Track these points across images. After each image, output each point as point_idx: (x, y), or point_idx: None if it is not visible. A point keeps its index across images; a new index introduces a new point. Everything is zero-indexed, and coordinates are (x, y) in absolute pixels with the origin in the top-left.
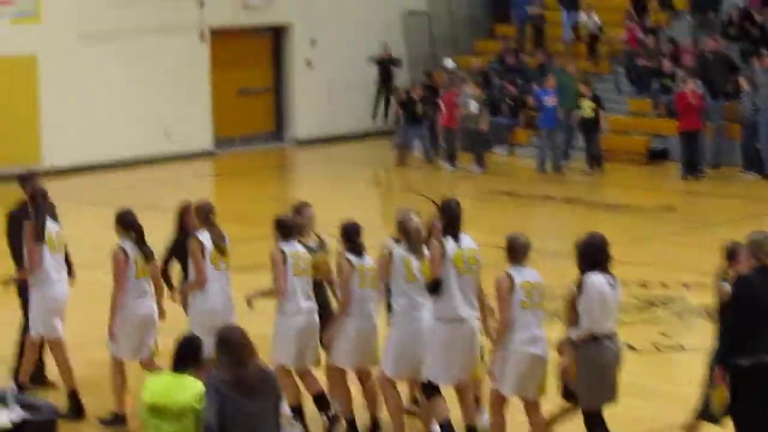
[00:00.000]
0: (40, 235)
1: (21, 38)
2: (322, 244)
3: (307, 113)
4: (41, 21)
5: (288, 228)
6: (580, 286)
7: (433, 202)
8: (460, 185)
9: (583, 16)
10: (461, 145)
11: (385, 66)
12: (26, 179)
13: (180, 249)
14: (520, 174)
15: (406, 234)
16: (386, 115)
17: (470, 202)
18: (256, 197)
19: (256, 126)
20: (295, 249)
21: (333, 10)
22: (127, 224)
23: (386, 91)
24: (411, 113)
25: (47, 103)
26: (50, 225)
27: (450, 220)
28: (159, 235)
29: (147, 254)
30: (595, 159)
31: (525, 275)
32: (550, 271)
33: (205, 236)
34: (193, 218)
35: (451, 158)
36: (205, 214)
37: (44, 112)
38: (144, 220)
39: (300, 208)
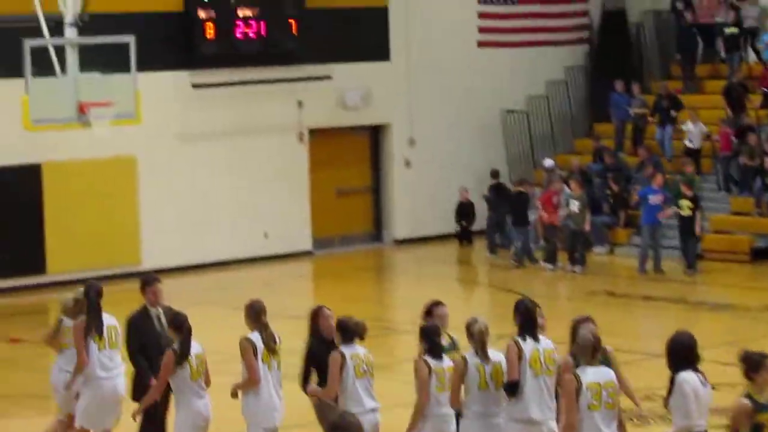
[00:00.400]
0: (89, 332)
1: (121, 139)
2: (453, 344)
3: (406, 213)
4: (141, 122)
5: (348, 331)
6: (672, 384)
7: (536, 303)
8: (559, 285)
9: (689, 125)
10: (561, 244)
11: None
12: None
13: (316, 354)
14: (620, 273)
15: (470, 337)
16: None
17: (570, 302)
18: (353, 298)
19: (355, 226)
20: (355, 351)
21: (431, 110)
22: (256, 317)
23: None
24: (513, 213)
25: (146, 204)
26: (107, 319)
27: (525, 320)
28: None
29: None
30: (692, 259)
31: (593, 375)
32: (652, 371)
33: (256, 336)
34: (327, 321)
35: (552, 258)
36: (256, 314)
37: (144, 212)
38: (240, 320)
39: (432, 308)
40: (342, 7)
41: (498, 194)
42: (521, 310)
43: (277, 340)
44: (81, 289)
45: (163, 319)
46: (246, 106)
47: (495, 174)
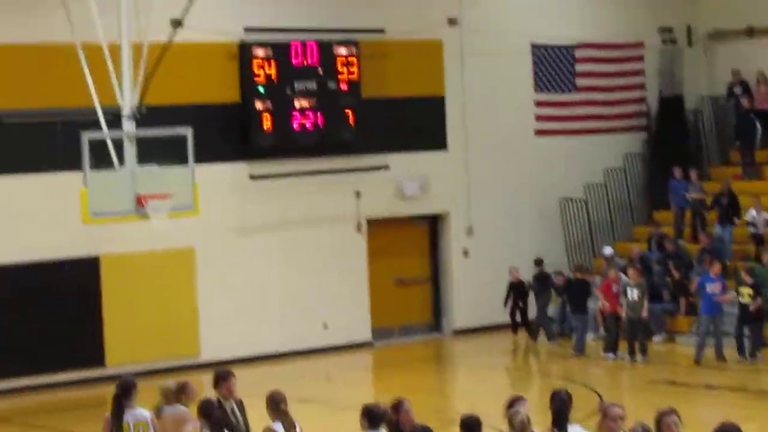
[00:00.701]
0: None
1: (178, 231)
2: None
3: (465, 302)
4: (198, 214)
5: (375, 417)
6: None
7: (596, 393)
8: (620, 374)
9: (752, 212)
10: (622, 333)
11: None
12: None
13: None
14: (680, 362)
15: (512, 427)
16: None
17: (630, 392)
18: (413, 388)
19: (414, 316)
20: None
21: (489, 199)
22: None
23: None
24: (572, 300)
25: (205, 296)
26: (138, 414)
27: (557, 412)
28: (314, 428)
29: None
30: (754, 346)
31: None
32: None
33: (278, 426)
34: (407, 414)
35: (612, 347)
36: (276, 404)
37: (202, 304)
38: (300, 412)
39: (514, 402)
40: (398, 97)
41: (541, 283)
42: (554, 402)
43: (298, 428)
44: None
45: (238, 412)
46: (304, 196)
47: (538, 262)
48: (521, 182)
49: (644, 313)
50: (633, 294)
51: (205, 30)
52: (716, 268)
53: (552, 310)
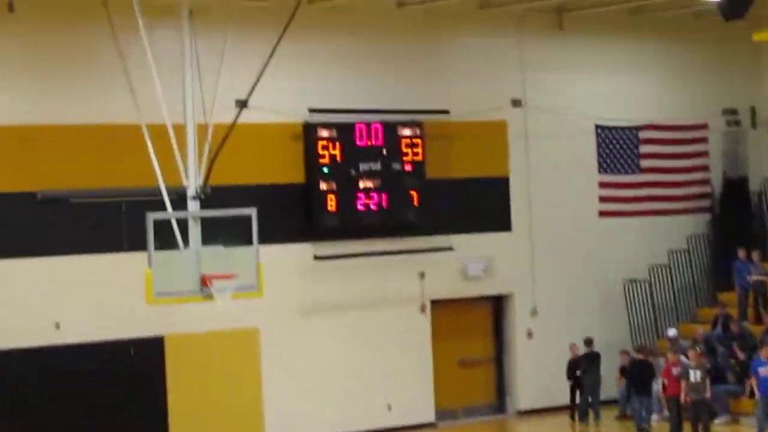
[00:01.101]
0: None
1: (243, 312)
2: None
3: (529, 383)
4: (263, 294)
5: None
6: None
7: None
8: None
9: None
10: (686, 415)
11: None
12: None
13: None
14: None
15: None
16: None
17: None
18: None
19: (478, 397)
20: None
21: (553, 280)
22: None
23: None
24: (635, 381)
25: (269, 376)
26: None
27: None
28: None
29: None
30: None
31: None
32: None
33: None
34: None
35: (676, 429)
36: None
37: (266, 385)
38: None
39: None
40: (463, 178)
41: (589, 362)
42: None
43: None
44: None
45: None
46: (367, 277)
47: (588, 342)
48: (585, 263)
49: (707, 395)
50: (695, 376)
51: (269, 111)
52: (765, 352)
53: (616, 390)
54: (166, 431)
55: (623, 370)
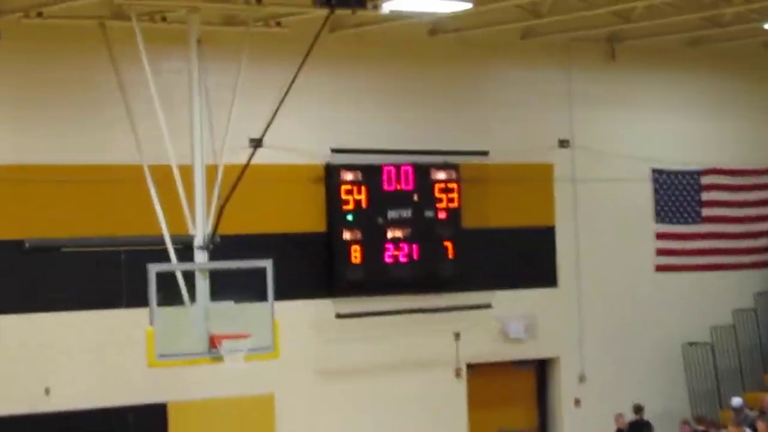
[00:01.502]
0: None
1: (257, 376)
2: None
3: None
4: (278, 356)
5: None
6: None
7: None
8: None
9: None
10: None
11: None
12: None
13: None
14: None
15: None
16: None
17: None
18: None
19: None
20: None
21: (604, 342)
22: None
23: None
24: None
25: None
26: None
27: None
28: None
29: None
30: None
31: None
32: None
33: None
34: None
35: None
36: None
37: None
38: None
39: None
40: (503, 227)
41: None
42: None
43: None
44: None
45: None
46: (396, 338)
47: (638, 409)
48: (640, 324)
49: None
50: None
51: (287, 151)
52: None
53: None
54: None
55: None
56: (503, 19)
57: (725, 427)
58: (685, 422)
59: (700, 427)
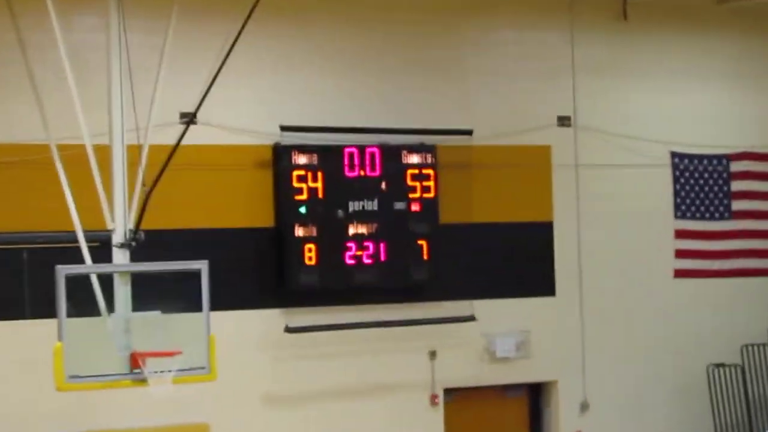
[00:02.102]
0: None
1: (189, 401)
2: None
3: None
4: (215, 377)
5: None
6: None
7: None
8: None
9: None
10: None
11: None
12: None
13: None
14: None
15: None
16: None
17: None
18: None
19: None
20: None
21: (611, 362)
22: None
23: None
24: None
25: None
26: None
27: None
28: None
29: None
30: None
31: None
32: None
33: None
34: None
35: None
36: None
37: None
38: None
39: None
40: (490, 223)
41: None
42: None
43: None
44: None
45: None
46: (359, 357)
47: None
48: (655, 341)
49: None
50: None
51: (226, 128)
52: None
53: None
54: None
55: None
56: None
57: None
58: None
59: None
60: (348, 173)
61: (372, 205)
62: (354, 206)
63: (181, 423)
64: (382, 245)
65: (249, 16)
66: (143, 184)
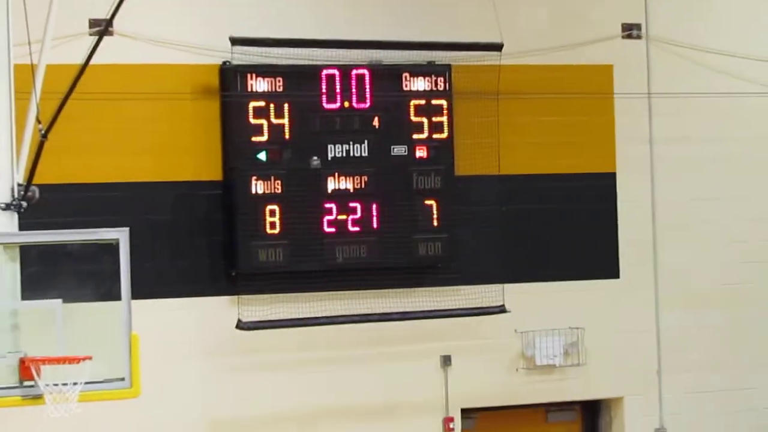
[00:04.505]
0: None
1: (99, 425)
2: None
3: None
4: (138, 394)
5: None
6: None
7: None
8: None
9: None
10: None
11: None
12: None
13: None
14: None
15: None
16: None
17: None
18: None
19: None
20: None
21: (695, 374)
22: None
23: None
24: None
25: None
26: None
27: None
28: None
29: None
30: None
31: None
32: None
33: None
34: None
35: None
36: None
37: None
38: None
39: None
40: (525, 176)
41: None
42: None
43: None
44: None
45: None
46: (340, 366)
47: None
48: (759, 339)
49: None
50: None
51: (154, 41)
52: None
53: None
54: None
55: None
56: None
57: None
58: None
59: None
60: (326, 105)
61: (360, 150)
62: (334, 151)
63: None
64: (374, 207)
65: None
66: (38, 121)
